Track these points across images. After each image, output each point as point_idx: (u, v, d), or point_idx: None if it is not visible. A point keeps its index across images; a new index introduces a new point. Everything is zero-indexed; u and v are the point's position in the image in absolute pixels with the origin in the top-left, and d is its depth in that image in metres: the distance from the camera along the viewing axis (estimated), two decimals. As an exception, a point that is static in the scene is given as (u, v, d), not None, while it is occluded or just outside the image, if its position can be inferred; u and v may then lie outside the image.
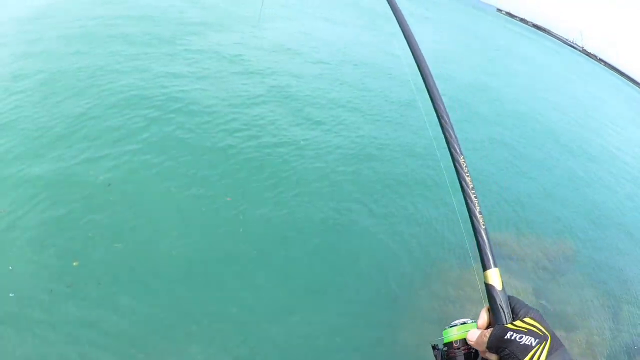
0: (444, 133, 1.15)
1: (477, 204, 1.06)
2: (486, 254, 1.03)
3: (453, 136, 1.14)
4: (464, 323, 1.02)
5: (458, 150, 1.12)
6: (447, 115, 1.18)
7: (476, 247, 1.07)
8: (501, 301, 0.97)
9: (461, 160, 1.11)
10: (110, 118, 7.12)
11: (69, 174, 5.89)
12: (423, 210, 7.26)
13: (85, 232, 5.20)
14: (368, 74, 12.53)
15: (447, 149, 1.16)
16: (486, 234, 1.04)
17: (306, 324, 4.96)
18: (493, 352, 0.88)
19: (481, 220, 1.04)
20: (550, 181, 10.33)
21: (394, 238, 6.46)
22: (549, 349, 0.80)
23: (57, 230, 5.16)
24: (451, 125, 1.16)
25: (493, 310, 0.98)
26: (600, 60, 39.42)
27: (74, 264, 5.00)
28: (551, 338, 0.83)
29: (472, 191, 1.07)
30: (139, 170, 6.18)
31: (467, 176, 1.09)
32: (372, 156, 8.33)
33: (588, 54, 40.28)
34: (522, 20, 42.22)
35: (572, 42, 41.99)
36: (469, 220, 1.07)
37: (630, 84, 34.67)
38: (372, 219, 6.70)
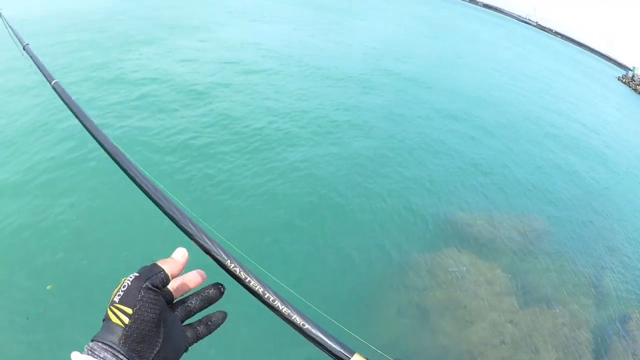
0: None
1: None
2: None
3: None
4: None
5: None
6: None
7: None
8: None
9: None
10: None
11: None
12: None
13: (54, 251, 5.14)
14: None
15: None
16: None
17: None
18: None
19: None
20: (510, 156, 10.52)
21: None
22: None
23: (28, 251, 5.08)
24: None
25: None
26: (556, 33, 40.90)
27: (48, 287, 4.96)
28: None
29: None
30: (97, 185, 6.07)
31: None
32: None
33: (543, 28, 41.74)
34: (472, 1, 43.35)
35: (526, 19, 43.45)
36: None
37: (585, 51, 35.97)
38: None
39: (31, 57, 1.84)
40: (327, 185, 7.11)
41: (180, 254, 0.76)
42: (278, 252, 5.64)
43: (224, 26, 15.66)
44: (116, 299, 0.65)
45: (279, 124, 8.82)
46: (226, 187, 6.53)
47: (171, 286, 0.78)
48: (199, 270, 0.82)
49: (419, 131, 10.19)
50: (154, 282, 0.68)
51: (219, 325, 0.80)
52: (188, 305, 0.79)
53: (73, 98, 1.25)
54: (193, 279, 0.81)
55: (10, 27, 2.23)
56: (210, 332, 0.80)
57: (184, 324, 0.78)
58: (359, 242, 6.12)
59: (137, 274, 0.68)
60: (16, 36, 2.22)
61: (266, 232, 5.87)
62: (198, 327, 0.79)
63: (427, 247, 6.32)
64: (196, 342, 0.79)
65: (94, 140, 1.00)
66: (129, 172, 0.91)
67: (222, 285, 0.81)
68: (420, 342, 5.02)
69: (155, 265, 0.72)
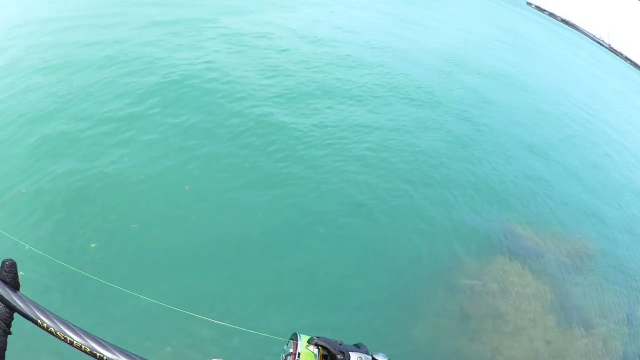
0: None
1: None
2: None
3: None
4: None
5: None
6: None
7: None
8: None
9: None
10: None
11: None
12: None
13: (106, 212, 5.14)
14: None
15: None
16: None
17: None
18: None
19: None
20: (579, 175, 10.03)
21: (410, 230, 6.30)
22: None
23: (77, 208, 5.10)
24: None
25: None
26: (626, 58, 38.38)
27: (92, 245, 4.77)
28: None
29: None
30: (163, 153, 6.15)
31: None
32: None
33: (614, 51, 39.33)
34: (551, 14, 40.83)
35: (600, 40, 40.90)
36: None
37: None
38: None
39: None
40: (389, 178, 7.12)
41: None
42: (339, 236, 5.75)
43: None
44: None
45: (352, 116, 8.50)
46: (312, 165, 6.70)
47: None
48: None
49: (487, 137, 9.87)
50: None
51: (15, 273, 0.73)
52: None
53: None
54: None
55: None
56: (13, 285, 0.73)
57: None
58: (411, 238, 6.09)
59: None
60: None
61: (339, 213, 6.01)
62: None
63: (478, 252, 6.23)
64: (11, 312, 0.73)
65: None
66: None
67: None
68: (456, 345, 4.98)
69: None
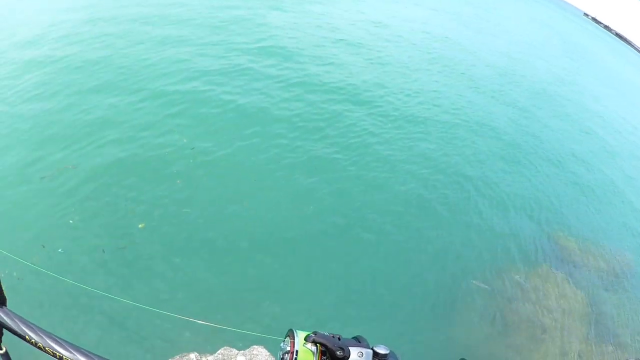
0: None
1: None
2: None
3: None
4: None
5: None
6: None
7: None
8: None
9: None
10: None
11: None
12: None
13: (160, 194, 5.11)
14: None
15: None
16: None
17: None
18: None
19: None
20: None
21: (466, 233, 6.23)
22: None
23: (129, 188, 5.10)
24: None
25: None
26: None
27: (140, 226, 4.75)
28: None
29: None
30: (221, 138, 6.10)
31: None
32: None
33: None
34: (606, 27, 38.97)
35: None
36: None
37: None
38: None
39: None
40: (446, 182, 7.02)
41: None
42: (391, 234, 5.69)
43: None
44: None
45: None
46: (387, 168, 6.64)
47: None
48: None
49: (543, 145, 9.68)
50: None
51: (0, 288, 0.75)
52: None
53: None
54: None
55: None
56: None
57: None
58: (457, 242, 6.03)
59: None
60: None
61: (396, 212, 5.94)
62: None
63: (523, 259, 6.16)
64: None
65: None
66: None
67: None
68: (492, 350, 4.97)
69: None
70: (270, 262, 4.76)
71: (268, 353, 3.02)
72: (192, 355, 3.04)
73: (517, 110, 10.74)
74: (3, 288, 0.75)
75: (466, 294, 5.31)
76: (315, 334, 0.79)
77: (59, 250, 4.49)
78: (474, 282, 5.50)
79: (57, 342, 0.71)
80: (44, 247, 4.50)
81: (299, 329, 0.81)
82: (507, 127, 9.47)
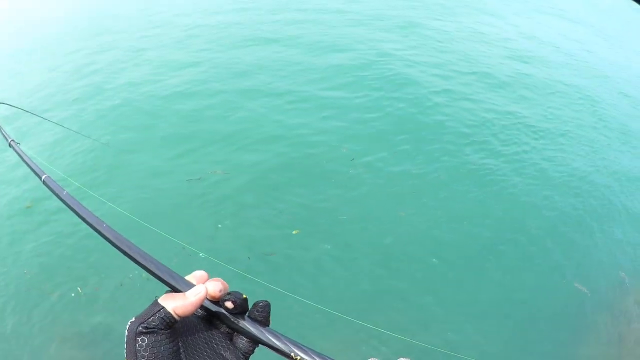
0: None
1: None
2: None
3: None
4: None
5: None
6: None
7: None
8: None
9: None
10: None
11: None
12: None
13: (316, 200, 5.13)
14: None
15: None
16: None
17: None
18: None
19: None
20: None
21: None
22: None
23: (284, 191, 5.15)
24: None
25: None
26: None
27: (294, 232, 4.79)
28: None
29: None
30: (380, 149, 6.06)
31: None
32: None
33: None
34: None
35: None
36: None
37: None
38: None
39: (18, 153, 1.82)
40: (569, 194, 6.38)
41: (195, 292, 0.70)
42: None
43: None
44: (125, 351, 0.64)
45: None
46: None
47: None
48: (217, 279, 0.75)
49: None
50: (149, 324, 0.64)
51: (267, 312, 0.76)
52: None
53: (65, 192, 1.16)
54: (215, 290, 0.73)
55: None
56: (264, 323, 0.75)
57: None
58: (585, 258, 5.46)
59: (133, 318, 0.65)
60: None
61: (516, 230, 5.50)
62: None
63: None
64: (254, 346, 0.77)
65: (95, 232, 0.91)
66: (132, 255, 0.82)
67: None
68: None
69: (155, 304, 0.67)
70: (421, 276, 4.63)
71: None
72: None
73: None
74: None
75: (589, 311, 4.82)
76: None
77: (200, 254, 4.56)
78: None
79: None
80: (183, 249, 4.60)
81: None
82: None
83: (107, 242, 0.86)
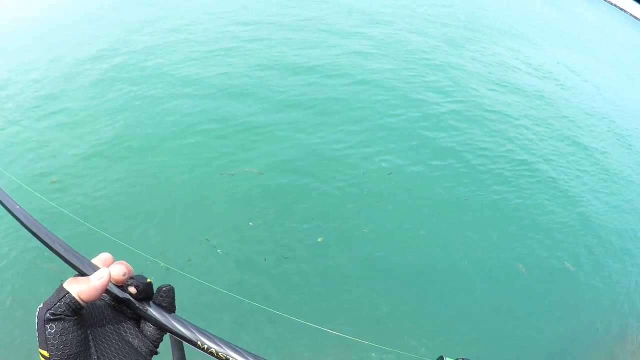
0: None
1: None
2: None
3: None
4: None
5: None
6: None
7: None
8: None
9: None
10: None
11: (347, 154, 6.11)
12: None
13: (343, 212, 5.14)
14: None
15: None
16: None
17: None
18: None
19: None
20: None
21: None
22: None
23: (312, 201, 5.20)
24: None
25: None
26: None
27: (319, 239, 4.80)
28: None
29: None
30: (413, 166, 6.18)
31: None
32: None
33: None
34: None
35: None
36: None
37: None
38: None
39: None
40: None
41: (98, 276, 0.66)
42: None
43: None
44: (37, 339, 0.62)
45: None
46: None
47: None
48: (121, 262, 0.72)
49: None
50: (56, 310, 0.62)
51: (172, 298, 0.74)
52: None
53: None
54: (118, 274, 0.70)
55: None
56: (168, 309, 0.73)
57: None
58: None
59: (42, 304, 0.63)
60: None
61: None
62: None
63: None
64: (162, 334, 0.74)
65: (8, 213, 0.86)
66: (40, 236, 0.79)
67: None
68: None
69: (61, 289, 0.64)
70: (437, 296, 4.59)
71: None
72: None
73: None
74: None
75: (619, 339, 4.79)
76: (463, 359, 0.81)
77: (218, 251, 4.52)
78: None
79: (236, 351, 0.69)
80: (207, 240, 4.59)
81: (448, 356, 0.84)
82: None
83: (19, 223, 0.84)
